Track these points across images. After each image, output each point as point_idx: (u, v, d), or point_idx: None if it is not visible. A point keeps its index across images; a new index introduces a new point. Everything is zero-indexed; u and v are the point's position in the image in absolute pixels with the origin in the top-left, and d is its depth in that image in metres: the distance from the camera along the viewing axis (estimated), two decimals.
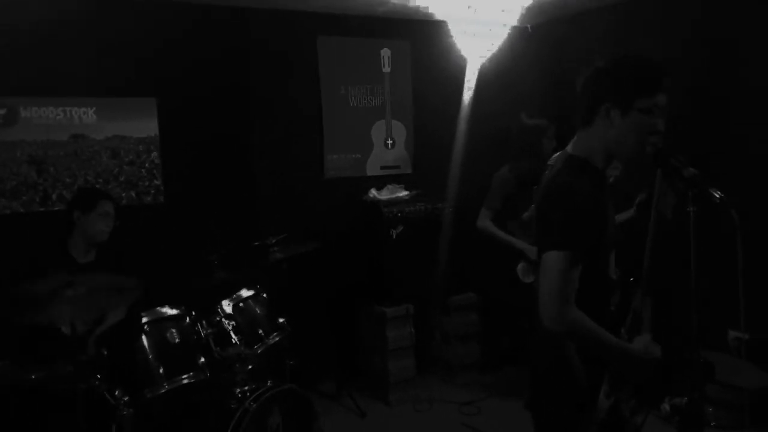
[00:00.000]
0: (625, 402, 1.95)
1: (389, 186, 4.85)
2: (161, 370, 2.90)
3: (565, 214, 1.78)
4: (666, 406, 3.12)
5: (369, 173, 5.02)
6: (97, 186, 3.92)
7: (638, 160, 1.88)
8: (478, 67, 5.06)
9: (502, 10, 4.69)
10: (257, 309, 3.57)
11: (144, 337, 2.94)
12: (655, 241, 2.04)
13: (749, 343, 3.50)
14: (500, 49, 4.97)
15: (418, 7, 4.64)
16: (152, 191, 4.17)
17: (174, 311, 3.10)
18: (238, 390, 3.04)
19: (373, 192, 4.77)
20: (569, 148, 1.96)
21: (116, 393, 2.67)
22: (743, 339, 3.64)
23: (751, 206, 2.47)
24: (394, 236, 4.54)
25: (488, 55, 4.97)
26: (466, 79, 5.12)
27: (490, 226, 4.16)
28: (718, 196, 1.91)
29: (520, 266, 4.04)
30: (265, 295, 3.65)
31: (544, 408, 2.01)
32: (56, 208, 3.80)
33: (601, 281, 1.90)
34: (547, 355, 1.95)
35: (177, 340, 3.02)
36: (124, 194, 4.07)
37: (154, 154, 4.15)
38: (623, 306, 1.97)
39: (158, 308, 3.08)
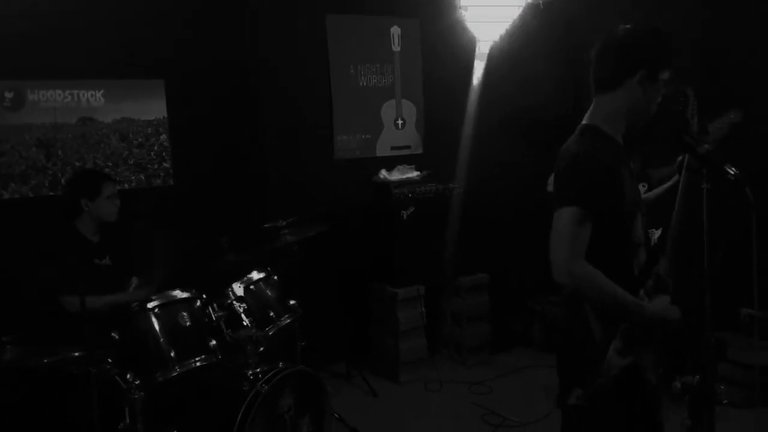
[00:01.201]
0: (651, 368, 1.95)
1: (399, 167, 4.82)
2: (173, 354, 2.90)
3: (574, 175, 1.87)
4: (677, 384, 3.10)
5: (379, 154, 4.99)
6: (106, 169, 3.92)
7: (645, 124, 1.98)
8: (490, 45, 4.98)
9: None
10: (268, 291, 3.57)
11: (155, 321, 2.94)
12: (684, 207, 2.05)
13: (762, 321, 3.47)
14: (512, 27, 4.89)
15: None
16: (162, 174, 4.16)
17: (185, 294, 3.09)
18: (250, 372, 3.04)
19: (384, 173, 4.74)
20: (585, 118, 2.01)
21: (128, 376, 2.68)
22: (756, 317, 3.61)
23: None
24: (405, 217, 4.53)
25: (499, 33, 4.89)
26: (476, 57, 5.05)
27: None
28: (732, 173, 1.89)
29: None
30: (275, 277, 3.64)
31: (562, 363, 2.05)
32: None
33: (622, 245, 1.93)
34: (567, 313, 2.00)
35: (188, 323, 3.01)
36: (133, 177, 4.07)
37: (163, 136, 4.14)
38: (647, 269, 1.98)
39: (169, 291, 3.08)
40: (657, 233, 3.09)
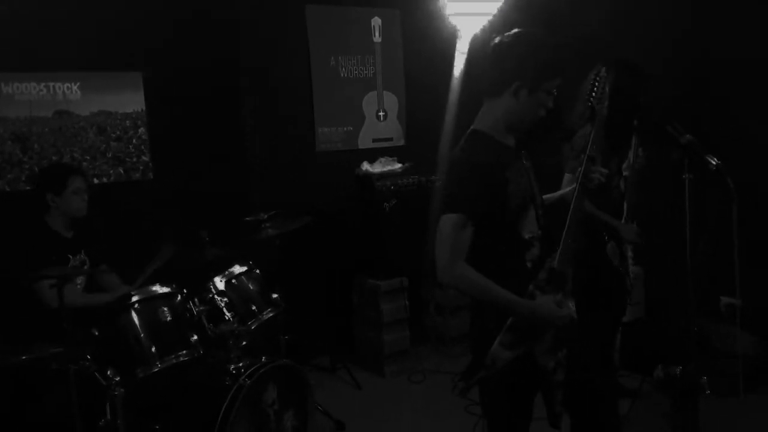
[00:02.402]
0: (547, 355, 2.02)
1: (382, 159, 4.80)
2: (153, 349, 2.87)
3: (456, 183, 1.99)
4: (660, 374, 3.13)
5: (361, 146, 4.97)
6: (84, 163, 3.86)
7: (527, 131, 2.08)
8: (471, 37, 4.97)
9: None
10: (250, 285, 3.54)
11: (135, 316, 2.90)
12: (578, 198, 2.08)
13: (742, 310, 3.51)
14: (493, 20, 4.87)
15: None
16: (141, 167, 4.11)
17: (165, 289, 3.05)
18: (232, 367, 3.02)
19: (366, 165, 4.72)
20: (474, 122, 2.11)
21: (108, 373, 2.65)
22: (737, 306, 3.65)
23: (744, 172, 2.45)
24: (387, 209, 4.51)
25: (480, 25, 4.88)
26: (457, 49, 5.04)
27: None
28: (714, 163, 1.91)
29: (609, 246, 3.88)
30: (258, 271, 3.62)
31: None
32: None
33: (510, 240, 2.02)
34: (473, 309, 2.16)
35: (169, 318, 2.98)
36: (112, 171, 4.01)
37: (142, 129, 4.08)
38: (539, 263, 2.04)
39: (149, 286, 3.04)
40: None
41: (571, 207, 2.06)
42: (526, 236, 2.04)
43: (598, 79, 2.15)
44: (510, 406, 2.09)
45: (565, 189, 2.40)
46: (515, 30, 2.02)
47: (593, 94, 2.13)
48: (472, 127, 2.10)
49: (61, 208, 3.18)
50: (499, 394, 2.08)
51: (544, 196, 2.24)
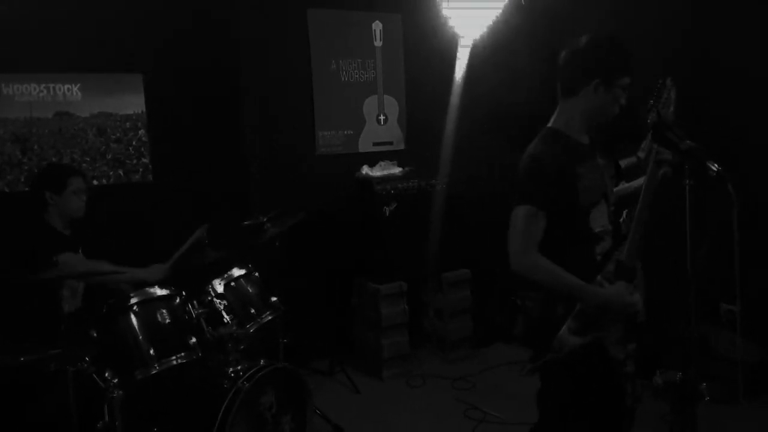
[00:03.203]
0: (615, 345, 2.10)
1: (382, 163, 4.80)
2: (152, 351, 2.86)
3: (528, 175, 2.10)
4: (658, 380, 3.13)
5: (361, 150, 4.97)
6: (84, 165, 3.86)
7: (606, 123, 2.20)
8: (472, 42, 4.97)
9: None
10: (249, 288, 3.53)
11: (134, 318, 2.89)
12: (647, 196, 2.12)
13: (743, 317, 3.50)
14: (494, 24, 4.88)
15: None
16: (140, 169, 4.11)
17: (164, 291, 3.04)
18: (231, 370, 3.02)
19: (366, 169, 4.72)
20: (550, 122, 2.23)
21: (106, 375, 2.63)
22: (737, 312, 3.64)
23: (745, 176, 2.45)
24: (387, 213, 4.51)
25: (481, 29, 4.89)
26: (458, 54, 5.04)
27: None
28: (715, 169, 1.91)
29: None
30: (257, 274, 3.61)
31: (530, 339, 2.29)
32: None
33: (581, 233, 2.13)
34: (536, 295, 2.20)
35: (167, 321, 2.97)
36: (111, 173, 4.01)
37: (142, 131, 4.08)
38: (608, 256, 2.15)
39: (148, 288, 3.03)
40: None
41: (639, 204, 2.13)
42: (597, 230, 2.15)
43: (664, 86, 2.23)
44: (572, 399, 2.14)
45: (639, 180, 2.45)
46: (587, 35, 2.17)
47: (659, 99, 2.21)
48: (547, 126, 2.23)
49: (60, 207, 3.17)
50: (565, 384, 2.14)
51: (617, 188, 2.37)
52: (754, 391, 3.73)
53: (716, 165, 1.93)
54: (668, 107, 2.21)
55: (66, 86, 3.83)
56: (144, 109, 4.08)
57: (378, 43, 4.99)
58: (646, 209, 2.10)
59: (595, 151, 2.22)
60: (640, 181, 2.45)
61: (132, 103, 4.04)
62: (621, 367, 2.12)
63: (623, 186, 2.45)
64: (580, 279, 2.03)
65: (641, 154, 3.50)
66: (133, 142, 4.07)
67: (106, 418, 2.63)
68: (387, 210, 4.51)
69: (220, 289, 3.37)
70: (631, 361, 2.13)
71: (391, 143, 5.11)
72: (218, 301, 3.31)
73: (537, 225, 2.04)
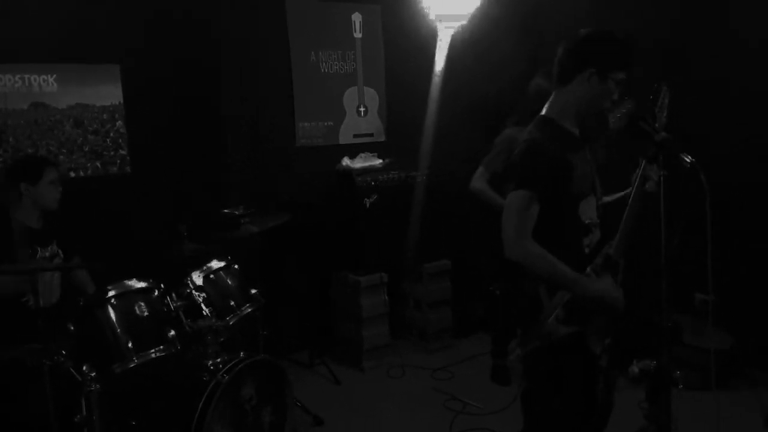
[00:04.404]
0: (595, 338, 2.14)
1: (362, 154, 4.80)
2: (130, 344, 2.85)
3: (523, 163, 2.10)
4: (635, 369, 3.18)
5: (342, 141, 4.96)
6: (60, 157, 3.81)
7: (597, 116, 2.25)
8: (452, 33, 4.98)
9: None
10: (229, 280, 3.52)
11: (112, 311, 2.88)
12: (639, 193, 2.17)
13: (715, 306, 3.56)
14: (474, 14, 4.89)
15: None
16: (118, 161, 4.06)
17: (142, 284, 3.03)
18: (210, 362, 3.01)
19: (346, 160, 4.72)
20: (543, 110, 2.24)
21: (84, 368, 2.62)
22: (710, 301, 3.70)
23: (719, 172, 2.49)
24: (368, 205, 4.51)
25: (461, 20, 4.89)
26: (439, 45, 5.05)
27: (486, 189, 3.82)
28: (688, 160, 1.94)
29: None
30: (236, 266, 3.60)
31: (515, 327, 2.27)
32: None
33: (571, 223, 2.15)
34: (522, 283, 2.19)
35: (146, 314, 2.95)
36: (89, 165, 3.97)
37: (119, 122, 4.04)
38: (597, 248, 2.18)
39: (126, 281, 3.01)
40: None
41: (629, 202, 2.16)
42: (586, 221, 2.18)
43: (660, 92, 2.25)
44: (557, 386, 2.17)
45: (626, 190, 2.48)
46: (590, 28, 2.18)
47: (656, 104, 2.24)
48: (541, 114, 2.23)
49: (33, 199, 3.14)
50: (549, 375, 2.17)
51: (605, 198, 2.39)
52: (726, 378, 3.81)
53: (689, 156, 1.96)
54: (663, 112, 2.23)
55: (42, 77, 3.76)
56: (122, 100, 4.03)
57: (358, 34, 4.97)
58: (635, 210, 2.14)
59: (585, 143, 2.24)
60: (626, 191, 2.49)
61: (109, 93, 3.99)
62: (596, 360, 2.15)
63: (608, 197, 2.48)
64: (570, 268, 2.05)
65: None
66: (111, 134, 4.02)
67: (84, 412, 2.62)
68: (367, 202, 4.51)
69: (199, 281, 3.36)
70: (606, 356, 2.16)
71: (371, 135, 5.11)
72: (197, 293, 3.30)
73: (531, 212, 2.05)
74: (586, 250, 2.17)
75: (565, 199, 2.11)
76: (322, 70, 4.82)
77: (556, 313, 2.08)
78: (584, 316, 2.09)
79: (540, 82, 3.71)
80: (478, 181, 3.86)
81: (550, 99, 2.24)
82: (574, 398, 2.18)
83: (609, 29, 2.18)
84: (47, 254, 3.20)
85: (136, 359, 2.84)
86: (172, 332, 3.00)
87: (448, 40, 5.01)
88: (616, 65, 2.12)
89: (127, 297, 2.96)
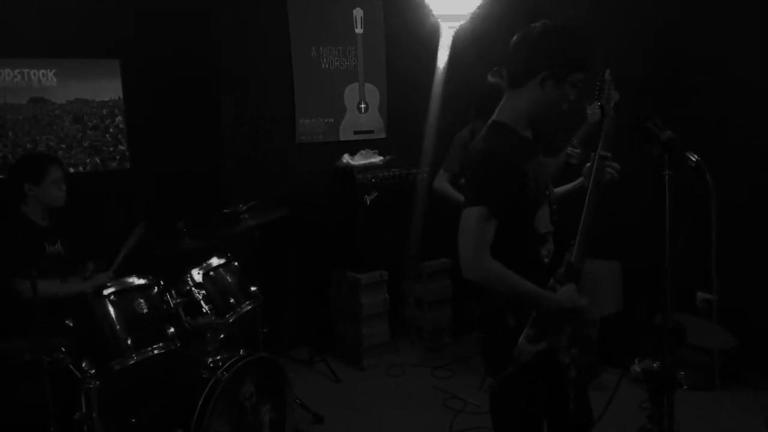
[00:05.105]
0: (564, 351, 2.05)
1: (363, 151, 4.78)
2: (129, 341, 2.83)
3: (480, 175, 1.96)
4: (636, 368, 3.16)
5: (342, 138, 4.94)
6: (59, 152, 3.79)
7: (551, 121, 2.08)
8: (454, 30, 4.95)
9: None
10: (228, 277, 3.50)
11: (111, 307, 2.86)
12: (596, 192, 2.09)
13: (719, 306, 3.55)
14: (476, 12, 4.86)
15: None
16: (117, 157, 4.05)
17: (141, 281, 3.01)
18: (210, 360, 2.99)
19: (347, 157, 4.70)
20: (495, 114, 2.07)
21: (83, 365, 2.60)
22: (713, 301, 3.69)
23: (724, 170, 2.47)
24: (368, 202, 4.49)
25: (463, 17, 4.86)
26: (440, 42, 5.01)
27: (447, 188, 3.98)
28: (693, 159, 1.92)
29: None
30: (236, 264, 3.58)
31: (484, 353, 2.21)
32: None
33: (528, 234, 2.04)
34: (485, 305, 2.10)
35: (145, 310, 2.94)
36: (88, 160, 3.95)
37: (119, 118, 4.02)
38: (557, 258, 2.07)
39: (125, 278, 3.00)
40: None
41: (586, 203, 2.06)
42: (542, 231, 2.06)
43: (604, 81, 2.16)
44: (525, 408, 2.07)
45: (574, 183, 2.43)
46: (543, 21, 2.00)
47: (602, 95, 2.14)
48: (492, 119, 2.07)
49: (39, 198, 3.14)
50: (518, 394, 2.06)
51: (557, 190, 2.27)
52: (729, 378, 3.80)
53: (695, 156, 1.94)
54: (611, 102, 2.14)
55: (41, 71, 3.74)
56: (121, 96, 4.01)
57: (359, 30, 4.95)
58: (592, 211, 2.05)
59: (538, 147, 2.11)
60: (574, 183, 2.45)
61: (109, 89, 3.97)
62: (565, 372, 2.07)
63: (557, 189, 2.40)
64: (530, 281, 1.95)
65: (574, 151, 3.52)
66: (110, 129, 4.01)
67: (83, 409, 2.60)
68: (368, 199, 4.49)
69: (198, 278, 3.34)
70: (575, 366, 2.08)
71: (372, 132, 5.09)
72: (197, 290, 3.28)
73: (489, 228, 1.91)
74: (546, 260, 2.07)
75: (521, 211, 1.99)
76: (323, 66, 4.80)
77: (526, 332, 1.97)
78: (553, 330, 2.00)
79: (495, 81, 3.82)
80: (439, 182, 4.05)
81: (502, 102, 2.08)
82: (542, 415, 2.12)
83: (562, 22, 1.99)
84: (53, 252, 3.19)
85: (136, 356, 2.82)
86: (172, 329, 2.99)
87: (451, 37, 4.98)
88: (572, 67, 1.95)
89: (127, 293, 2.94)
